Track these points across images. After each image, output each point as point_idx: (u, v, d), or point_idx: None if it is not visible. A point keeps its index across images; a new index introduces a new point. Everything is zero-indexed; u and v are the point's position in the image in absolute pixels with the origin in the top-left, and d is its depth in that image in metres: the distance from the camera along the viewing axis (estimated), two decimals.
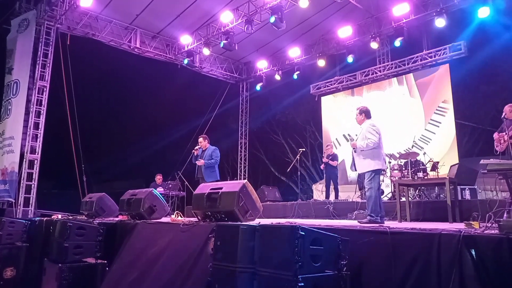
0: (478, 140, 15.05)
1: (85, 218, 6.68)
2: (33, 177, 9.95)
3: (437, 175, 8.01)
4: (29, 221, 6.80)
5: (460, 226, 3.69)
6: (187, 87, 17.35)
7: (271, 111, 20.04)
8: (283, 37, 12.40)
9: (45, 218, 6.65)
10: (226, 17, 10.74)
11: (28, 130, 10.05)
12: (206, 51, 12.04)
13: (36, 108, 10.23)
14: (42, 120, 10.28)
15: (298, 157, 10.67)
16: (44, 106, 10.33)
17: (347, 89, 13.59)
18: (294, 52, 13.02)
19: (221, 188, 4.19)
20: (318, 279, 2.40)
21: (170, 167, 12.52)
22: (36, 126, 10.22)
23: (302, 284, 2.27)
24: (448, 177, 5.81)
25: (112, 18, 11.61)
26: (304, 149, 12.73)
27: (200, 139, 7.64)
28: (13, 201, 9.59)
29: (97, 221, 5.63)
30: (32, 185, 9.89)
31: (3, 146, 10.28)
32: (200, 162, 7.28)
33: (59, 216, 7.19)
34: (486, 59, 13.31)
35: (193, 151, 7.47)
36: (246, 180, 4.34)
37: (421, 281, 2.66)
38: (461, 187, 6.46)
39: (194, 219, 4.62)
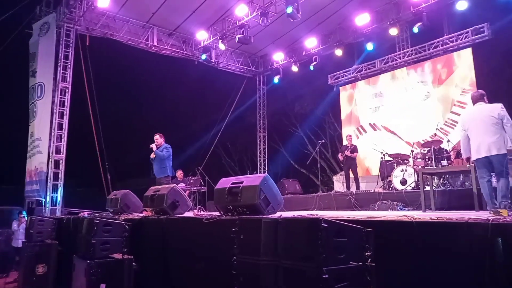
0: None
1: (111, 215, 6.83)
2: (59, 176, 10.27)
3: (462, 162, 7.80)
4: (57, 219, 7.02)
5: (487, 214, 3.60)
6: (205, 83, 17.46)
7: (289, 103, 19.91)
8: (298, 28, 12.24)
9: (72, 216, 6.84)
10: (241, 11, 10.71)
11: (53, 131, 10.35)
12: (222, 46, 12.05)
13: (59, 109, 10.52)
14: (65, 120, 10.56)
15: (317, 148, 10.60)
16: (67, 107, 10.60)
17: (366, 78, 13.36)
18: (311, 43, 12.87)
19: (242, 182, 4.20)
20: (343, 271, 2.39)
21: (191, 163, 12.67)
22: (60, 126, 10.51)
23: (327, 276, 2.26)
24: (473, 164, 5.64)
25: (129, 17, 11.78)
26: (323, 141, 12.66)
27: (157, 137, 7.61)
28: (43, 200, 9.93)
29: (123, 218, 5.75)
30: (59, 184, 10.21)
31: (33, 147, 10.63)
32: (152, 155, 7.50)
33: (86, 214, 7.38)
34: (511, 41, 12.78)
35: (151, 147, 7.54)
36: (266, 174, 4.34)
37: (448, 271, 2.61)
38: None
39: (216, 214, 4.66)
